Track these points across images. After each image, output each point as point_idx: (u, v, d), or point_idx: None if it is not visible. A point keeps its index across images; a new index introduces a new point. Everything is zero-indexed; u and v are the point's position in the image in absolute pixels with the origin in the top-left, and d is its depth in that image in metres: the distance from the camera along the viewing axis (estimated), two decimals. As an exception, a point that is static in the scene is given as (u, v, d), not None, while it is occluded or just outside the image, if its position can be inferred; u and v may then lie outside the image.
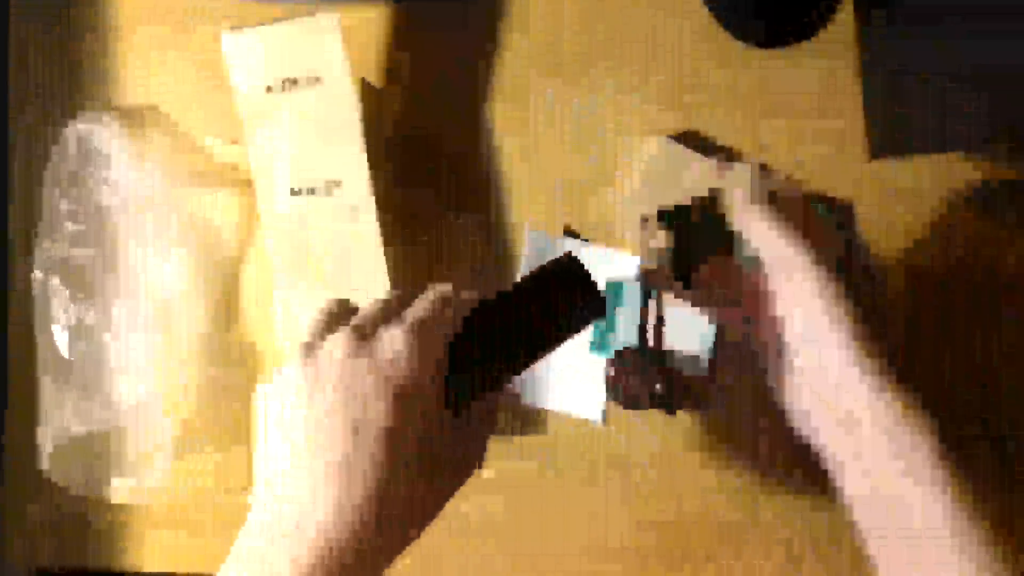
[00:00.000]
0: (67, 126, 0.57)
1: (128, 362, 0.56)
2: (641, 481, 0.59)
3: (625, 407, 0.57)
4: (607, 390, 0.57)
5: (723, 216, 0.50)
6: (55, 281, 0.57)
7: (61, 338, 0.57)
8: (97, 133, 0.57)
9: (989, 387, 0.56)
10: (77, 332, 0.57)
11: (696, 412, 0.58)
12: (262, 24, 0.54)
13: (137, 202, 0.57)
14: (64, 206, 0.57)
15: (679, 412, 0.58)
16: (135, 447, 0.57)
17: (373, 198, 0.54)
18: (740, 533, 0.58)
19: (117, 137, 0.57)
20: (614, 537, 0.59)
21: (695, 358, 0.58)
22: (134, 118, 0.58)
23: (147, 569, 0.62)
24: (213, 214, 0.60)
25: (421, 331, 0.38)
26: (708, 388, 0.58)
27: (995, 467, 0.56)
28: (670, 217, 0.53)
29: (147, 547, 0.62)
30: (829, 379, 0.42)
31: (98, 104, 0.61)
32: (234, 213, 0.60)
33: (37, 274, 0.57)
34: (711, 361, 0.58)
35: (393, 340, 0.38)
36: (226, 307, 0.61)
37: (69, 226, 0.57)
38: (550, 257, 0.43)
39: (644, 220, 0.54)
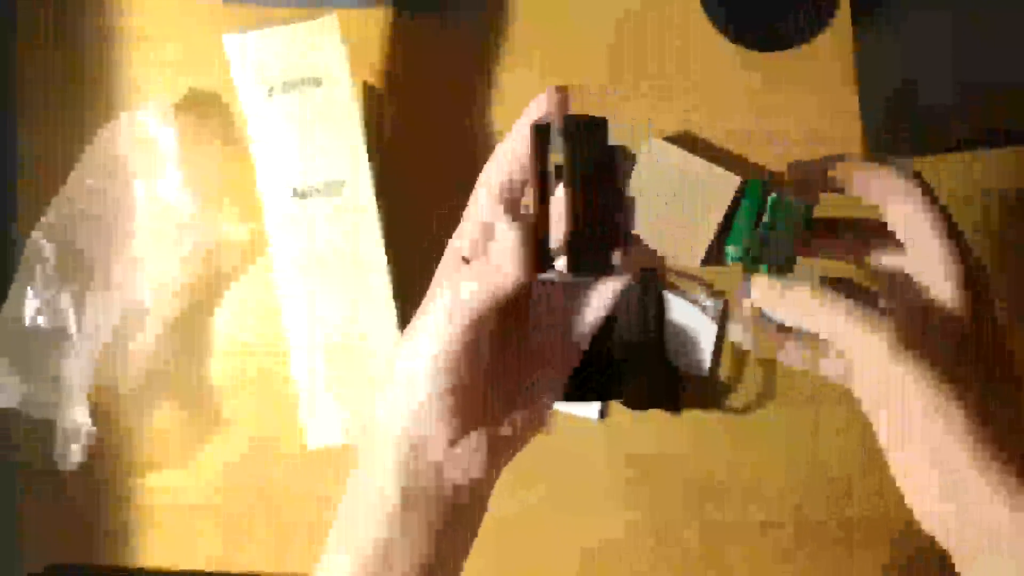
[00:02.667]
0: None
1: (78, 356, 0.57)
2: (640, 481, 0.59)
3: (627, 406, 0.58)
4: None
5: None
6: (48, 248, 0.57)
7: (30, 304, 0.57)
8: (155, 125, 0.58)
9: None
10: (46, 306, 0.57)
11: (697, 411, 0.59)
12: (264, 27, 0.54)
13: (161, 206, 0.58)
14: (89, 183, 0.57)
15: (680, 412, 0.58)
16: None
17: (375, 199, 0.54)
18: (740, 533, 0.59)
19: (171, 131, 0.57)
20: (613, 537, 0.60)
21: (698, 361, 0.58)
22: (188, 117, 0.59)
23: (148, 567, 0.62)
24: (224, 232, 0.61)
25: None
26: (709, 387, 0.58)
27: None
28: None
29: (147, 547, 0.62)
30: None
31: (97, 110, 0.61)
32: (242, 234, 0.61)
33: (35, 235, 0.57)
34: (713, 361, 0.58)
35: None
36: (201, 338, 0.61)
37: (85, 205, 0.57)
38: None
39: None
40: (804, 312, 0.40)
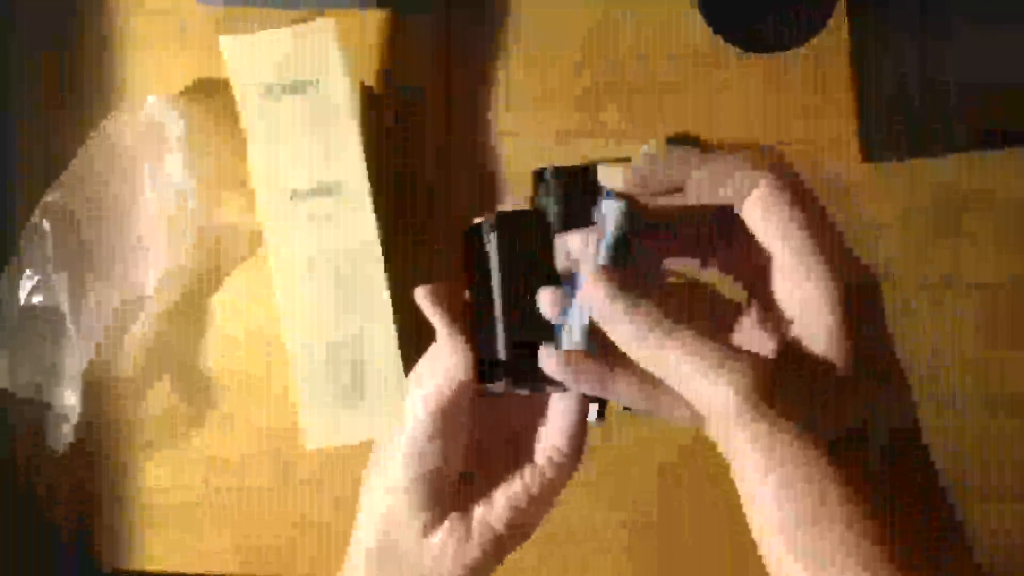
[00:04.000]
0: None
1: (72, 338, 0.56)
2: (640, 482, 0.59)
3: (624, 407, 0.58)
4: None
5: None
6: (48, 228, 0.56)
7: (25, 283, 0.56)
8: (163, 111, 0.57)
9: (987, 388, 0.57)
10: (42, 286, 0.56)
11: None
12: (261, 28, 0.54)
13: (166, 192, 0.57)
14: (95, 165, 0.56)
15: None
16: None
17: (371, 200, 0.54)
18: (739, 534, 0.59)
19: (179, 117, 0.57)
20: (612, 538, 0.59)
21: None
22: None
23: (148, 568, 0.62)
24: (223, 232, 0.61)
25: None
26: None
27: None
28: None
29: (147, 547, 0.62)
30: None
31: (96, 111, 0.61)
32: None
33: (36, 214, 0.57)
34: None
35: None
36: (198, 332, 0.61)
37: (89, 187, 0.57)
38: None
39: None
40: (634, 342, 0.30)
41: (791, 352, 0.30)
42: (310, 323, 0.55)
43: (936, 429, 0.33)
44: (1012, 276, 0.57)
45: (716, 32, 0.56)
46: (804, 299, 0.30)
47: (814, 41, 0.55)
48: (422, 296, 0.38)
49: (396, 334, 0.55)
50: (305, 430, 0.55)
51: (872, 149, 0.56)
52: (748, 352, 0.30)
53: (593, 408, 0.58)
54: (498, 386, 0.37)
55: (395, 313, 0.55)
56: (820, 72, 0.57)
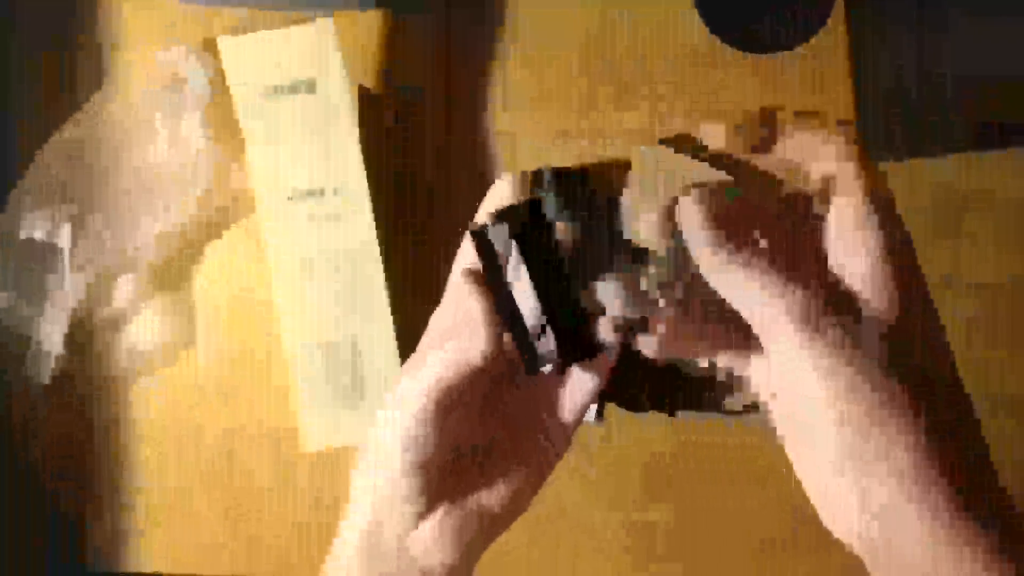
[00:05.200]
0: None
1: (67, 276, 0.57)
2: (638, 482, 0.59)
3: (624, 408, 0.58)
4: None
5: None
6: (56, 164, 0.56)
7: (27, 216, 0.57)
8: (185, 63, 0.57)
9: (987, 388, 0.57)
10: (43, 220, 0.57)
11: (695, 413, 0.58)
12: (259, 30, 0.54)
13: (180, 144, 0.57)
14: (109, 109, 0.56)
15: (678, 413, 0.58)
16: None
17: (370, 202, 0.54)
18: (741, 536, 0.59)
19: (201, 70, 0.57)
20: (612, 539, 0.60)
21: (695, 361, 0.58)
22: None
23: (147, 569, 0.62)
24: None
25: None
26: (707, 388, 0.58)
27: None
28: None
29: (147, 547, 0.62)
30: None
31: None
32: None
33: (45, 149, 0.57)
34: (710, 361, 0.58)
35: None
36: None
37: (102, 129, 0.57)
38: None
39: None
40: (710, 249, 0.34)
41: (846, 291, 0.32)
42: (309, 324, 0.55)
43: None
44: (1012, 276, 0.57)
45: (713, 32, 0.56)
46: (855, 251, 0.32)
47: (812, 42, 0.55)
48: (467, 275, 0.38)
49: (395, 335, 0.55)
50: (304, 431, 0.55)
51: (870, 149, 0.56)
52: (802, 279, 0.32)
53: (592, 407, 0.58)
54: (547, 366, 0.38)
55: (394, 313, 0.55)
56: (818, 73, 0.57)
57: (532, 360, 0.37)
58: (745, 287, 0.33)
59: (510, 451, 0.40)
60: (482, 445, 0.40)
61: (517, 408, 0.40)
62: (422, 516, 0.37)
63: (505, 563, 0.60)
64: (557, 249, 0.38)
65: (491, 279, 0.37)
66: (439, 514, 0.37)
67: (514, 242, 0.37)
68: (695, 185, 0.37)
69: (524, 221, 0.37)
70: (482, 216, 0.39)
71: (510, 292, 0.37)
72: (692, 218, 0.36)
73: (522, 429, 0.40)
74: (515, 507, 0.39)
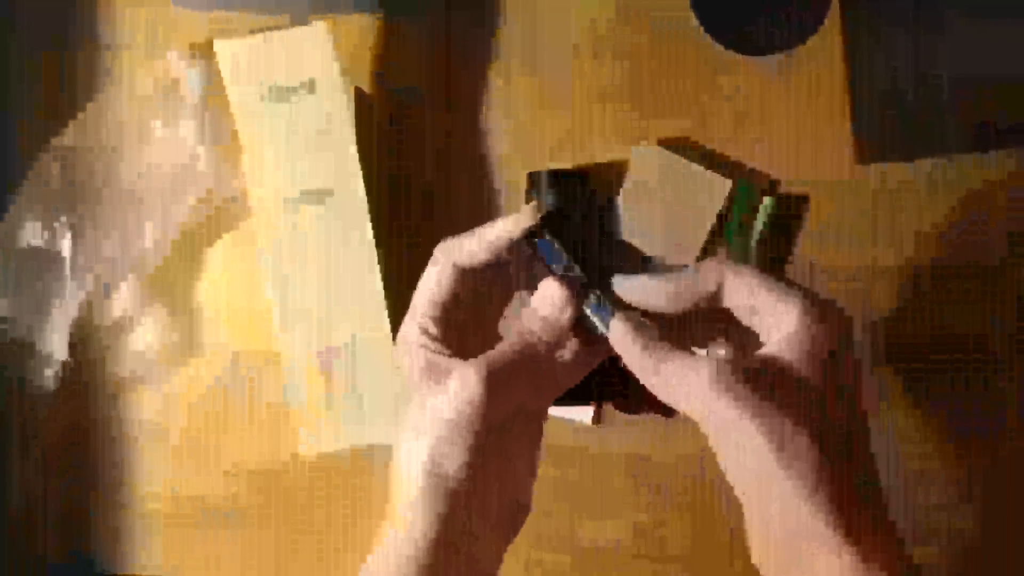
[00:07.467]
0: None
1: (67, 283, 0.57)
2: (636, 485, 0.59)
3: (620, 411, 0.58)
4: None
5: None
6: (56, 170, 0.57)
7: (28, 223, 0.57)
8: (181, 67, 0.57)
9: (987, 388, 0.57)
10: (43, 227, 0.57)
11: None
12: (255, 33, 0.54)
13: (177, 149, 0.57)
14: (108, 114, 0.57)
15: (675, 415, 0.58)
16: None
17: (366, 205, 0.54)
18: (737, 535, 0.59)
19: (197, 74, 0.57)
20: (611, 540, 0.60)
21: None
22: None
23: (147, 571, 0.63)
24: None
25: None
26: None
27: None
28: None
29: (147, 548, 0.63)
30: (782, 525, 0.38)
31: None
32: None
33: (45, 155, 0.57)
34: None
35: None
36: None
37: (101, 135, 0.57)
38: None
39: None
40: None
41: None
42: (303, 329, 0.55)
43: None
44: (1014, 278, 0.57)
45: (707, 32, 0.56)
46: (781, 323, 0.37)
47: (808, 44, 0.55)
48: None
49: (390, 340, 0.55)
50: (302, 435, 0.56)
51: (867, 150, 0.56)
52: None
53: (589, 411, 0.59)
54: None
55: (390, 318, 0.55)
56: (814, 75, 0.56)
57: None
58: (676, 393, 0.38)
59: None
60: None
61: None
62: (476, 468, 0.40)
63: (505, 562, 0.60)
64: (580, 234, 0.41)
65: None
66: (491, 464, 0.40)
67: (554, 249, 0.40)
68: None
69: (559, 227, 0.40)
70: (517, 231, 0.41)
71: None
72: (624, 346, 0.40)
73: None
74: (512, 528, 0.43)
